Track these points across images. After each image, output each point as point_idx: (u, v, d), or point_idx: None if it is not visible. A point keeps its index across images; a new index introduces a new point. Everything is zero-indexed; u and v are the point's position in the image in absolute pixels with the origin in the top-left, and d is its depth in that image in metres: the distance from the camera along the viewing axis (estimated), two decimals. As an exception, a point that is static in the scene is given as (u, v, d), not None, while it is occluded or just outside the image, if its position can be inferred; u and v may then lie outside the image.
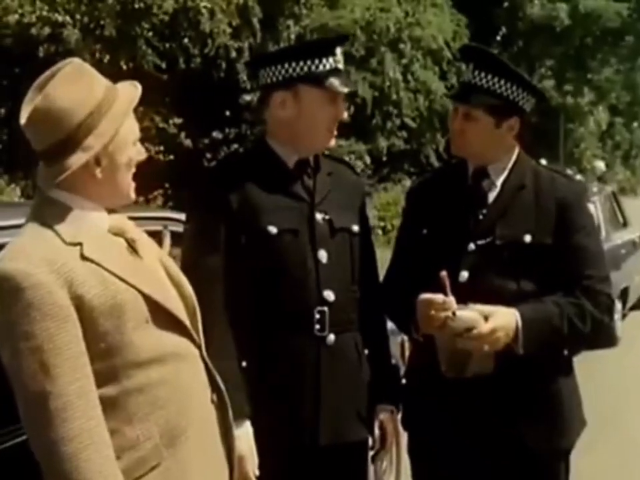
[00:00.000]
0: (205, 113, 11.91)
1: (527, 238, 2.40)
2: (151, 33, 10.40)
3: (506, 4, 19.31)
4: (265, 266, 2.35)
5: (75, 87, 1.77)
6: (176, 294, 1.95)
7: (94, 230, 1.83)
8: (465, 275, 2.36)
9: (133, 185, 1.91)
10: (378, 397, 2.48)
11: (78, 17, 10.08)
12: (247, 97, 12.05)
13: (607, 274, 2.48)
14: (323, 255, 2.38)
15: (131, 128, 1.86)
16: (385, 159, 15.64)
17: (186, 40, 11.01)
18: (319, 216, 2.41)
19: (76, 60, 1.84)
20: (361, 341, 2.46)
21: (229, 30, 10.97)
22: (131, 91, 1.88)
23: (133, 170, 1.90)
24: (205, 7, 10.36)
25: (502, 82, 2.44)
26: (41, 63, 10.16)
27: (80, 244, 1.77)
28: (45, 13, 9.95)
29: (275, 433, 2.30)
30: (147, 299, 1.83)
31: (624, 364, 7.22)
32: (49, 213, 1.80)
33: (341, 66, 2.42)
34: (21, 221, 1.89)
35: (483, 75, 2.44)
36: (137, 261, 1.88)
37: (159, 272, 1.94)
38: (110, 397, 1.76)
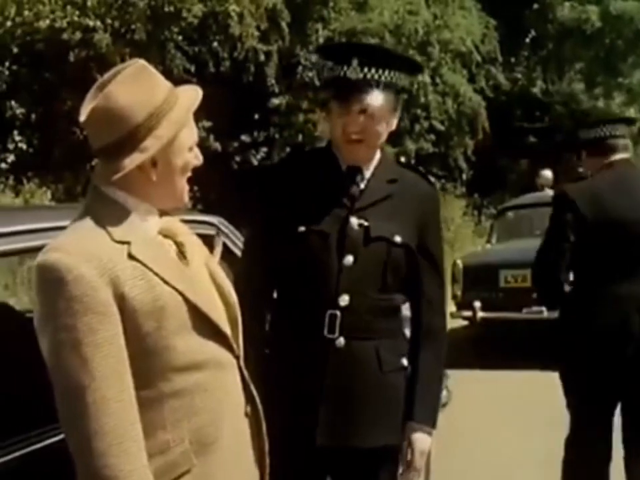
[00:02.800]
0: (233, 117, 11.95)
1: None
2: (180, 37, 10.48)
3: (535, 6, 19.16)
4: (289, 263, 2.42)
5: (137, 87, 1.78)
6: (219, 301, 1.94)
7: (144, 231, 1.84)
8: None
9: (187, 188, 1.91)
10: (409, 414, 2.46)
11: (108, 21, 10.20)
12: (276, 101, 12.10)
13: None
14: (348, 260, 2.38)
15: (190, 132, 1.87)
16: (413, 161, 15.62)
17: (215, 44, 11.07)
18: (354, 221, 2.40)
19: (140, 61, 1.84)
20: (392, 351, 2.44)
21: (257, 33, 11.02)
22: (191, 95, 1.87)
23: (189, 174, 1.90)
24: (233, 10, 10.41)
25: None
26: (71, 68, 10.31)
27: (128, 243, 1.77)
28: (75, 18, 10.07)
29: (275, 429, 2.28)
30: (190, 305, 1.82)
31: None
32: (101, 210, 1.81)
33: (357, 75, 2.36)
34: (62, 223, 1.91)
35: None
36: (184, 266, 1.87)
37: (204, 278, 1.94)
38: (144, 399, 1.75)
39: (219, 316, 1.90)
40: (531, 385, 6.81)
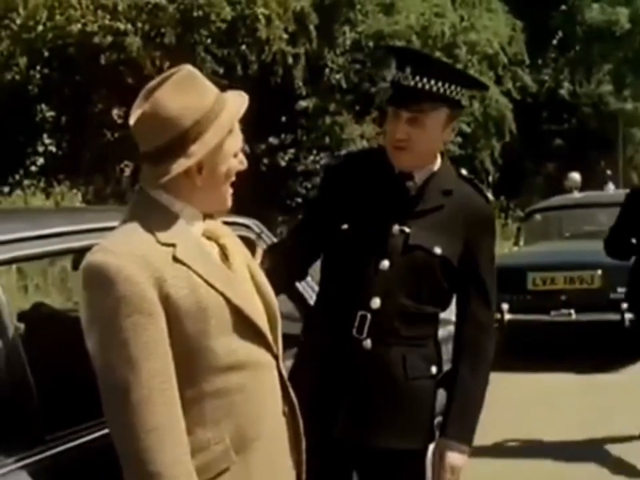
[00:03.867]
0: (261, 119, 12.05)
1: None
2: (209, 40, 10.59)
3: (563, 7, 19.15)
4: (328, 259, 2.47)
5: (185, 93, 1.80)
6: (260, 303, 1.97)
7: (189, 233, 1.86)
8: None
9: (230, 192, 1.93)
10: (443, 429, 2.44)
11: (139, 25, 10.32)
12: (303, 103, 12.18)
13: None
14: (384, 264, 2.38)
15: (235, 139, 1.89)
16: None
17: (243, 47, 11.17)
18: (396, 227, 2.40)
19: (188, 67, 1.86)
20: (420, 358, 2.44)
21: (285, 36, 11.11)
22: (238, 101, 1.90)
23: (233, 179, 1.93)
24: (262, 13, 10.50)
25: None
26: (102, 71, 10.45)
27: (174, 245, 1.80)
28: (106, 22, 10.21)
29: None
30: (232, 306, 1.84)
31: None
32: (147, 212, 1.83)
33: (408, 82, 2.36)
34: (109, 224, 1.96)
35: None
36: (227, 268, 1.90)
37: (247, 280, 1.96)
38: (186, 398, 1.78)
39: (260, 317, 1.93)
40: (559, 388, 6.87)
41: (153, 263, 1.75)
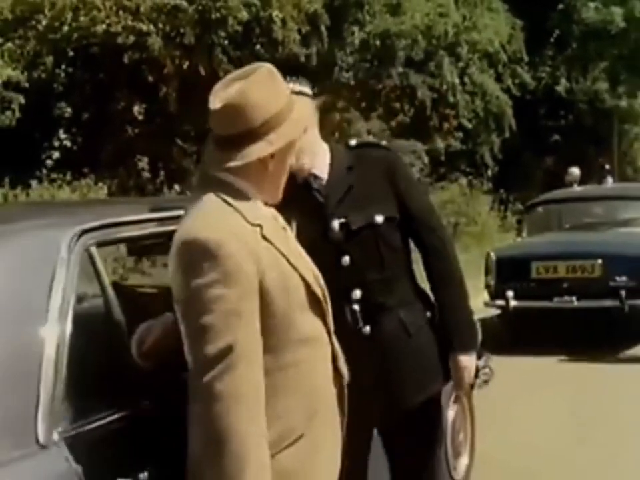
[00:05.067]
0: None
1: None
2: (226, 41, 11.01)
3: (560, 7, 19.53)
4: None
5: (268, 87, 1.92)
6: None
7: (267, 215, 1.97)
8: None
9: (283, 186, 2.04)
10: (450, 346, 2.64)
11: (160, 25, 10.73)
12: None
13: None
14: (345, 260, 2.52)
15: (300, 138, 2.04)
16: (442, 158, 16.07)
17: (258, 47, 11.59)
18: (335, 223, 2.52)
19: (268, 65, 1.98)
20: (412, 313, 2.61)
21: (298, 37, 11.53)
22: (308, 103, 2.12)
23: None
24: (277, 15, 10.92)
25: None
26: (124, 69, 10.88)
27: (260, 226, 1.88)
28: (129, 23, 10.62)
29: None
30: (305, 283, 1.95)
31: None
32: (227, 194, 1.89)
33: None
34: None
35: None
36: (294, 248, 2.03)
37: (304, 258, 2.06)
38: (265, 369, 1.84)
39: (321, 293, 2.02)
40: (562, 371, 7.18)
41: (248, 241, 1.83)
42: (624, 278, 7.94)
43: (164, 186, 11.25)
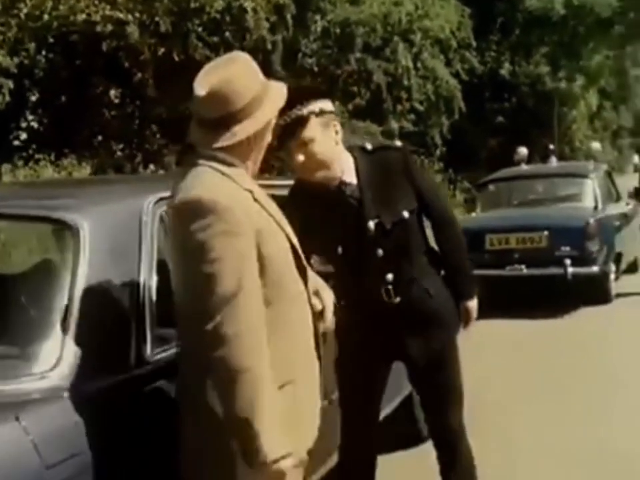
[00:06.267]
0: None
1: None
2: (200, 29, 11.59)
3: (506, -5, 20.39)
4: (344, 270, 2.96)
5: (246, 74, 2.06)
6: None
7: (255, 183, 2.11)
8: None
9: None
10: (461, 297, 3.11)
11: (137, 14, 11.24)
12: (279, 85, 13.25)
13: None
14: (379, 252, 2.89)
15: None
16: (396, 139, 16.78)
17: (227, 34, 12.17)
18: (371, 224, 2.87)
19: (244, 54, 2.14)
20: (431, 279, 3.01)
21: (267, 25, 12.16)
22: (279, 85, 2.16)
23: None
24: (248, 5, 11.51)
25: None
26: (103, 56, 11.40)
27: (251, 191, 2.04)
28: (107, 12, 11.11)
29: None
30: (292, 244, 2.12)
31: (616, 317, 8.35)
32: (219, 165, 2.03)
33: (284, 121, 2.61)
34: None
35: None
36: (279, 212, 2.16)
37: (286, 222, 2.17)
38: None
39: (302, 254, 2.17)
40: (514, 332, 7.68)
41: (244, 203, 1.99)
42: (567, 248, 8.67)
43: (140, 166, 11.85)
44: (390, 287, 2.91)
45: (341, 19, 13.89)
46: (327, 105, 2.77)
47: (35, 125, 13.49)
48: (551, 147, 13.46)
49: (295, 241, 2.14)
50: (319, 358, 2.19)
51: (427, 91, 16.96)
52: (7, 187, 4.41)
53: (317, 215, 2.81)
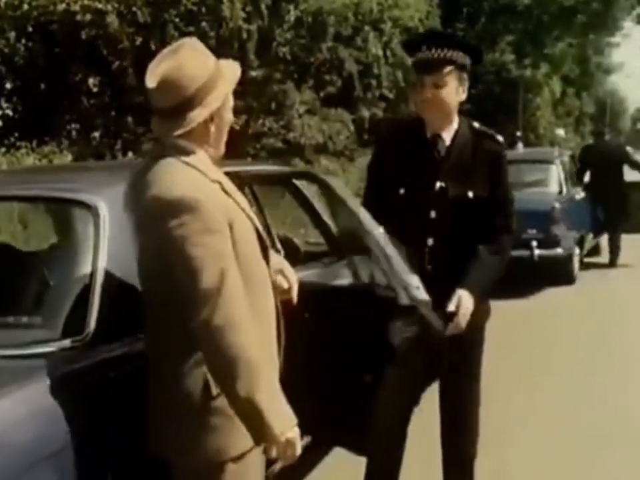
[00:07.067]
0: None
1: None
2: (177, 19, 11.84)
3: (473, -15, 20.79)
4: (394, 212, 3.04)
5: (198, 57, 2.06)
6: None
7: (219, 171, 2.11)
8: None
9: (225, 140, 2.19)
10: (460, 283, 2.98)
11: (115, 5, 11.45)
12: (254, 73, 13.55)
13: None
14: (432, 214, 2.98)
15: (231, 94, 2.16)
16: (366, 126, 17.20)
17: (204, 24, 12.42)
18: (438, 184, 2.97)
19: (190, 39, 2.14)
20: (467, 257, 2.94)
21: (243, 15, 12.41)
22: (233, 64, 2.17)
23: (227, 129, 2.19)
24: (225, -4, 11.78)
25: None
26: (82, 44, 11.59)
27: (219, 182, 2.05)
28: (86, 2, 11.30)
29: None
30: (258, 233, 2.15)
31: (579, 298, 8.73)
32: (183, 156, 2.03)
33: (426, 56, 2.88)
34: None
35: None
36: (244, 200, 2.18)
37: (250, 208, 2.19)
38: None
39: (267, 241, 2.21)
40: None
41: (214, 196, 2.00)
42: (534, 231, 8.97)
43: (119, 154, 12.08)
44: (427, 250, 2.97)
45: (313, 8, 14.15)
46: (468, 63, 2.95)
47: (9, 112, 13.64)
48: (518, 133, 13.96)
49: (258, 223, 2.17)
50: (279, 342, 2.24)
51: (396, 78, 17.28)
52: (20, 172, 4.66)
53: (400, 153, 2.99)
